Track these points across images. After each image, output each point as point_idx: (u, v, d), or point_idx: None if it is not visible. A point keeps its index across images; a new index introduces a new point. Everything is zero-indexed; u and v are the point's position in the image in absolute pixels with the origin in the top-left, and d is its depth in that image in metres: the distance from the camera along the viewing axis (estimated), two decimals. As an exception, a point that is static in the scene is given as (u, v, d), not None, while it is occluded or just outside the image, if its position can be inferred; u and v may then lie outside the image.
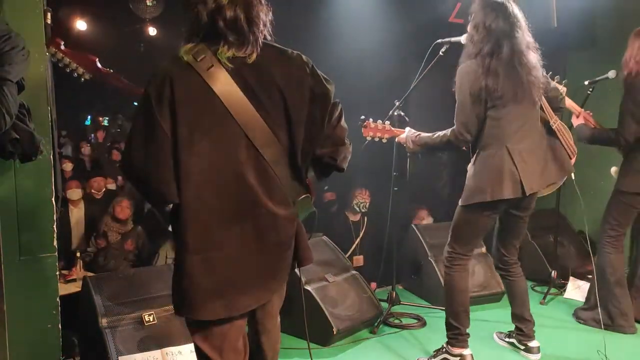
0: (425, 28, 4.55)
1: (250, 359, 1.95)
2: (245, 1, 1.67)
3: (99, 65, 2.07)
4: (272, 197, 1.74)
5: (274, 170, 1.74)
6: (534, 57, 2.66)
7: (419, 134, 2.89)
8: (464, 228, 2.79)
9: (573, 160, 2.93)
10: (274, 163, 1.74)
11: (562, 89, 3.33)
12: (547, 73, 2.92)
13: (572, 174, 2.94)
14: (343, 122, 1.82)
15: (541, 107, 2.77)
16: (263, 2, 1.72)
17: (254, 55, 1.69)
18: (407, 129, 3.00)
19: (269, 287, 1.81)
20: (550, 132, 2.81)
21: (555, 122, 2.81)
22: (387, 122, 3.06)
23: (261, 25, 1.70)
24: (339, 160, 1.83)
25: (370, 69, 5.48)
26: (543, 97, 2.77)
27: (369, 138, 3.04)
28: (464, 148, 2.79)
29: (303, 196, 1.83)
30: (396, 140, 3.06)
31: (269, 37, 1.75)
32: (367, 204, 5.13)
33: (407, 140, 2.94)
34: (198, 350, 1.81)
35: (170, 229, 1.92)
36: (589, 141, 3.35)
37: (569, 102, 3.41)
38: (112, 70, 2.11)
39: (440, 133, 2.76)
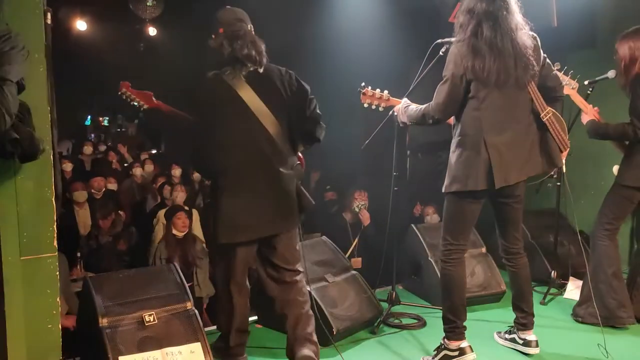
0: (425, 28, 4.55)
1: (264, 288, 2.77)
2: (252, 41, 2.62)
3: (153, 99, 2.77)
4: (279, 161, 2.63)
5: (279, 144, 2.63)
6: (524, 38, 2.65)
7: (409, 106, 2.94)
8: (452, 218, 2.83)
9: (565, 154, 2.90)
10: (279, 139, 2.63)
11: (575, 84, 3.32)
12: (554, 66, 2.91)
13: (564, 168, 2.93)
14: (317, 110, 2.72)
15: (531, 99, 2.74)
16: (259, 38, 2.66)
17: (261, 70, 2.63)
18: (404, 99, 3.03)
19: (281, 220, 2.66)
20: (542, 123, 2.78)
21: (547, 115, 2.77)
22: (386, 91, 3.09)
23: (263, 52, 2.64)
24: (316, 134, 2.73)
25: (370, 69, 5.48)
26: (534, 86, 2.74)
27: (365, 105, 3.09)
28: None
29: (297, 163, 2.74)
30: (392, 111, 3.08)
31: (264, 61, 2.64)
32: (366, 205, 5.14)
33: (399, 111, 2.99)
34: (219, 268, 2.74)
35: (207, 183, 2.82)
36: (603, 136, 3.32)
37: (578, 99, 3.40)
38: (160, 102, 2.79)
39: (422, 106, 2.82)
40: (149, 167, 7.52)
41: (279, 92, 2.64)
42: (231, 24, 2.65)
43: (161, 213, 5.27)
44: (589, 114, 3.37)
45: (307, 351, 2.62)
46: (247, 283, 2.80)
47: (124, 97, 2.73)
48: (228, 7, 2.76)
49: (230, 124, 2.58)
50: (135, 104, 2.74)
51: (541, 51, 2.77)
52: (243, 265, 2.70)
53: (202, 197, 6.53)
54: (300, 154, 2.80)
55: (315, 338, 2.70)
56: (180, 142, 3.33)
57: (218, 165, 2.61)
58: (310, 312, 2.76)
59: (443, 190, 2.79)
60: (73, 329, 3.21)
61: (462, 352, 2.81)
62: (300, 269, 2.79)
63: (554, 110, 2.81)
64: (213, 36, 2.69)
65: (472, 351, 2.82)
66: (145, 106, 2.75)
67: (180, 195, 5.40)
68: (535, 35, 2.74)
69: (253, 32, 2.71)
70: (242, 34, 2.63)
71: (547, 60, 2.82)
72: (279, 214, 2.64)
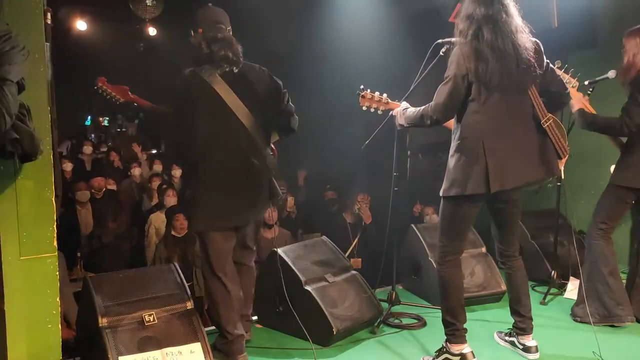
0: (425, 28, 4.55)
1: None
2: (230, 44, 2.76)
3: (129, 93, 2.85)
4: (253, 153, 2.80)
5: (254, 136, 2.79)
6: (524, 41, 2.64)
7: (407, 109, 2.92)
8: (449, 221, 2.81)
9: (564, 161, 2.88)
10: (253, 131, 2.79)
11: (575, 83, 3.31)
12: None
13: (562, 175, 2.91)
14: (290, 102, 2.91)
15: (532, 105, 2.73)
16: (236, 41, 2.79)
17: (236, 69, 2.77)
18: (403, 102, 3.02)
19: (253, 209, 2.89)
20: (542, 129, 2.76)
21: (548, 121, 2.75)
22: (385, 94, 3.09)
23: (240, 54, 2.79)
24: (291, 125, 2.93)
25: (370, 70, 5.48)
26: (536, 91, 2.72)
27: (364, 108, 3.10)
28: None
29: (270, 154, 2.90)
30: (390, 113, 3.08)
31: (241, 62, 2.79)
32: (368, 204, 5.16)
33: (397, 114, 2.98)
34: (204, 260, 2.83)
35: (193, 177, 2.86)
36: (590, 125, 3.29)
37: (577, 96, 3.38)
38: (136, 96, 2.86)
39: (420, 108, 2.78)
40: (158, 167, 7.48)
41: (254, 87, 2.81)
42: (210, 26, 2.76)
43: (152, 217, 5.27)
44: (576, 103, 3.33)
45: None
46: (236, 274, 2.92)
47: (100, 92, 2.81)
48: (209, 5, 2.85)
49: (207, 118, 2.72)
50: (111, 98, 2.84)
51: (544, 56, 2.76)
52: (225, 253, 2.83)
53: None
54: (272, 146, 2.99)
55: (250, 317, 3.13)
56: (161, 134, 3.46)
57: (196, 157, 2.75)
58: (252, 291, 3.11)
59: (441, 194, 2.77)
60: (70, 338, 3.18)
61: (463, 358, 2.78)
62: (254, 247, 3.11)
63: (554, 117, 2.80)
64: (192, 33, 2.81)
65: (474, 357, 2.80)
66: (121, 100, 2.83)
67: (172, 200, 5.40)
68: (537, 41, 2.73)
69: (231, 34, 2.82)
70: (221, 37, 2.74)
71: (551, 65, 2.82)
72: (251, 204, 2.85)
